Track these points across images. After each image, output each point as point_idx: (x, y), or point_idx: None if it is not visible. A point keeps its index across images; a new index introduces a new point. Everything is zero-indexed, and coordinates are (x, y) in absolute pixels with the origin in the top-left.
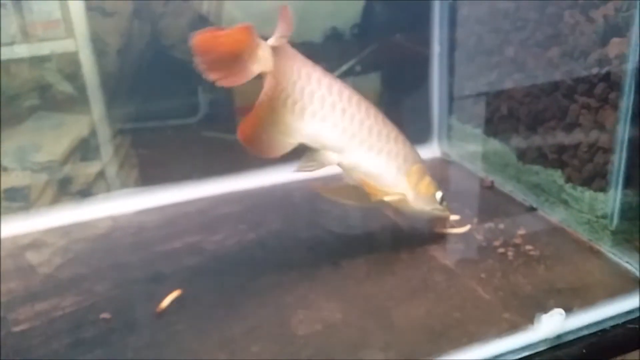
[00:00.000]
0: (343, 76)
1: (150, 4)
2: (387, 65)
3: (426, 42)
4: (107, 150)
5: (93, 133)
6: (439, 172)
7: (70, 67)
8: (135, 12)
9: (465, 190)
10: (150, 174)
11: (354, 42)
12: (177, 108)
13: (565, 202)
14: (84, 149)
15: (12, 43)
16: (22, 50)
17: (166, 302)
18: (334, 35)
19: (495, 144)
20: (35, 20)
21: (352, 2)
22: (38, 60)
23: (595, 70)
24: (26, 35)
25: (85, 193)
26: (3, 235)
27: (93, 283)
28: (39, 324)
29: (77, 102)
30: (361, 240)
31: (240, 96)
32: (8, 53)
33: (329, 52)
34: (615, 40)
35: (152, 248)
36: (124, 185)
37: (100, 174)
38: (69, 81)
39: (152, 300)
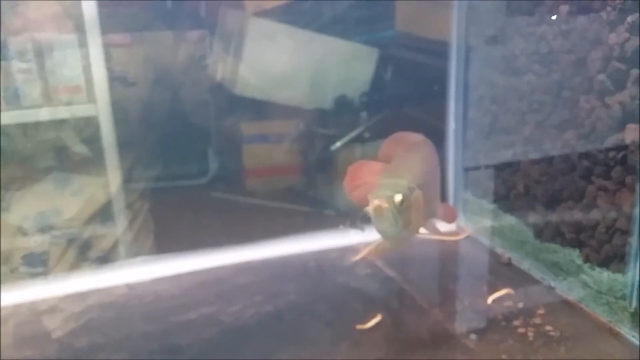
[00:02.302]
0: (351, 142)
1: (172, 74)
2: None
3: (440, 117)
4: (124, 216)
5: (111, 198)
6: (454, 247)
7: (88, 131)
8: (157, 81)
9: (482, 266)
10: (166, 241)
11: (362, 110)
12: (190, 171)
13: (583, 282)
14: (103, 215)
15: (34, 106)
16: (43, 114)
17: None
18: (344, 103)
19: (511, 220)
20: (58, 85)
21: (361, 72)
22: (57, 123)
23: (611, 154)
24: (48, 99)
25: (103, 259)
26: (21, 300)
27: (109, 353)
28: None
29: (92, 164)
30: (379, 315)
31: (249, 159)
32: (30, 116)
33: (338, 118)
34: (631, 126)
35: (168, 318)
36: (140, 252)
37: (118, 240)
38: (86, 144)
39: None
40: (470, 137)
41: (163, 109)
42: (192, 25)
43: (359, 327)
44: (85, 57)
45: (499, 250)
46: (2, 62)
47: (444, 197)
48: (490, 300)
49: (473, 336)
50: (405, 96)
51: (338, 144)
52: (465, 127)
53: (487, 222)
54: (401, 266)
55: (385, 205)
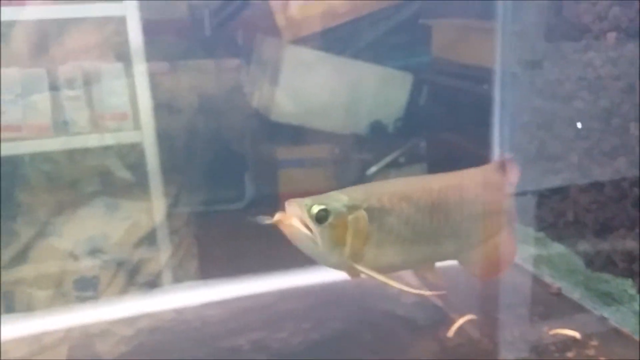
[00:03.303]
0: (387, 167)
1: (211, 101)
2: (441, 160)
3: (478, 141)
4: (169, 241)
5: (156, 223)
6: (501, 276)
7: (132, 157)
8: (197, 108)
9: (531, 297)
10: (209, 266)
11: (397, 135)
12: (228, 196)
13: (637, 313)
14: (149, 240)
15: (81, 133)
16: (90, 140)
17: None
18: (379, 128)
19: (560, 249)
20: (105, 112)
21: (396, 97)
22: (103, 149)
23: None
24: (95, 126)
25: (151, 284)
26: (73, 324)
27: None
28: None
29: (137, 189)
30: (427, 345)
31: (284, 184)
32: (77, 142)
33: (373, 143)
34: None
35: (217, 343)
36: (185, 276)
37: (164, 265)
38: (130, 170)
39: None
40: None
41: (203, 135)
42: (229, 53)
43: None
44: (131, 84)
45: (547, 280)
46: (52, 91)
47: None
48: (552, 333)
49: None
50: (441, 121)
51: (373, 168)
52: (511, 153)
53: (534, 251)
54: (448, 294)
55: (289, 219)
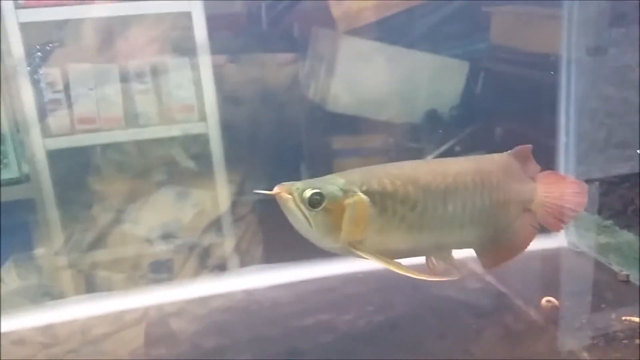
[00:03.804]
0: (442, 155)
1: (274, 94)
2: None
3: (539, 129)
4: (236, 227)
5: (223, 210)
6: (567, 263)
7: (198, 147)
8: (260, 100)
9: (599, 284)
10: (275, 250)
11: (453, 124)
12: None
13: None
14: (217, 225)
15: (150, 125)
16: (158, 132)
17: None
18: (434, 117)
19: (629, 237)
20: (172, 105)
21: (452, 86)
22: (169, 140)
23: None
24: (163, 118)
25: (221, 267)
26: (149, 303)
27: (236, 354)
28: None
29: (203, 178)
30: (492, 329)
31: None
32: (146, 134)
33: (428, 132)
34: None
35: (287, 323)
36: (253, 260)
37: (232, 249)
38: (196, 159)
39: None
40: (583, 151)
41: (263, 126)
42: (285, 46)
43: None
44: (197, 78)
45: (615, 268)
46: (123, 84)
47: None
48: (620, 319)
49: (586, 355)
50: (500, 109)
51: (429, 157)
52: (578, 141)
53: (602, 239)
54: (513, 281)
55: (285, 195)
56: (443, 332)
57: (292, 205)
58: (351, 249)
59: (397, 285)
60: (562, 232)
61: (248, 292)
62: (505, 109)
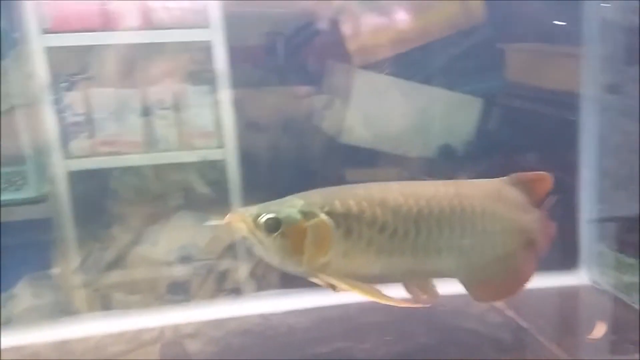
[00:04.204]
0: None
1: (290, 125)
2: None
3: (565, 167)
4: (253, 253)
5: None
6: (589, 301)
7: (215, 173)
8: (285, 128)
9: (625, 324)
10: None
11: (466, 159)
12: None
13: None
14: (233, 251)
15: (169, 150)
16: (177, 157)
17: None
18: (447, 152)
19: None
20: (192, 131)
21: (465, 121)
22: (186, 165)
23: None
24: (182, 144)
25: (237, 291)
26: (166, 324)
27: None
28: None
29: (218, 204)
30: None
31: None
32: (164, 159)
33: (441, 167)
34: None
35: (304, 350)
36: (269, 286)
37: (248, 274)
38: (212, 185)
39: None
40: (606, 188)
41: (278, 155)
42: (301, 79)
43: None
44: (216, 106)
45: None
46: (143, 110)
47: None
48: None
49: None
50: (516, 145)
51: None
52: (600, 178)
53: (626, 277)
54: (534, 317)
55: (237, 224)
56: None
57: (245, 233)
58: (317, 274)
59: (415, 315)
60: (584, 269)
61: (264, 317)
62: (521, 145)
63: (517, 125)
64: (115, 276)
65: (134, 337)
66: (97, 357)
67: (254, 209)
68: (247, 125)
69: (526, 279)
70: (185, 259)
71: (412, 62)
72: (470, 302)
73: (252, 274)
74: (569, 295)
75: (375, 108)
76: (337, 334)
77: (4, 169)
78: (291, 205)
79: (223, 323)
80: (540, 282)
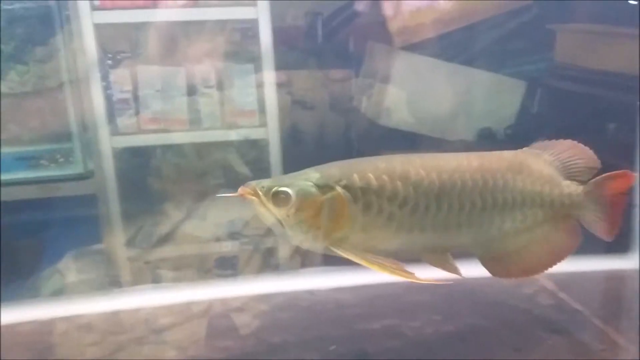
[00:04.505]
0: None
1: (344, 100)
2: None
3: (624, 149)
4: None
5: None
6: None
7: (254, 153)
8: (331, 106)
9: None
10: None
11: (507, 143)
12: None
13: None
14: None
15: (212, 129)
16: (219, 135)
17: None
18: (488, 135)
19: None
20: (234, 110)
21: (507, 104)
22: (226, 145)
23: None
24: (225, 122)
25: (283, 267)
26: (214, 297)
27: (301, 352)
28: None
29: None
30: (571, 346)
31: None
32: (207, 137)
33: (481, 150)
34: None
35: (353, 326)
36: (313, 262)
37: (293, 251)
38: (250, 165)
39: None
40: None
41: (317, 135)
42: (341, 59)
43: None
44: (260, 85)
45: None
46: (188, 88)
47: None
48: None
49: None
50: (563, 129)
51: None
52: None
53: None
54: (588, 299)
55: (250, 196)
56: (517, 345)
57: (258, 206)
58: (333, 249)
59: (464, 295)
60: (637, 252)
61: (311, 293)
62: (571, 129)
63: (566, 109)
64: (164, 251)
65: (183, 309)
66: (147, 329)
67: (267, 182)
68: (289, 105)
69: (559, 256)
70: (233, 235)
71: (454, 43)
72: (521, 282)
73: (297, 251)
74: (621, 279)
75: (415, 90)
76: (385, 311)
77: (51, 146)
78: (306, 179)
79: (270, 297)
80: (592, 265)
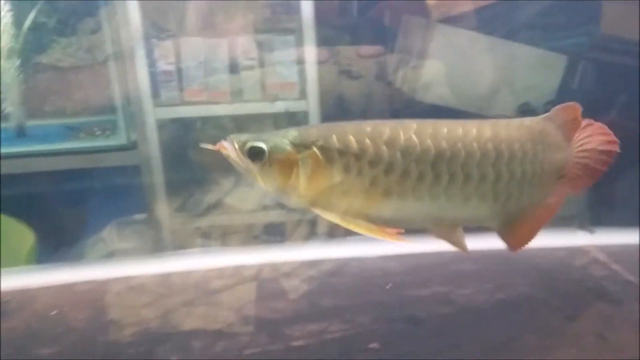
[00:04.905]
0: None
1: (370, 80)
2: None
3: None
4: None
5: None
6: None
7: (290, 125)
8: (377, 76)
9: None
10: None
11: None
12: None
13: None
14: None
15: (253, 101)
16: (260, 108)
17: None
18: (527, 111)
19: None
20: (275, 82)
21: (547, 79)
22: (264, 117)
23: None
24: (265, 94)
25: (328, 235)
26: (263, 261)
27: (354, 315)
28: (313, 343)
29: None
30: (627, 316)
31: None
32: (248, 109)
33: None
34: None
35: (402, 292)
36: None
37: None
38: None
39: (413, 340)
40: None
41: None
42: (375, 34)
43: None
44: (301, 57)
45: None
46: (231, 59)
47: None
48: None
49: None
50: (603, 105)
51: None
52: None
53: None
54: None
55: (225, 150)
56: (572, 314)
57: (234, 159)
58: (315, 209)
59: (515, 266)
60: None
61: (358, 260)
62: (614, 104)
63: (610, 83)
64: (213, 217)
65: (233, 273)
66: (199, 291)
67: (244, 136)
68: (328, 78)
69: (550, 215)
70: (280, 204)
71: (494, 16)
72: (573, 254)
73: None
74: None
75: (452, 64)
76: (434, 279)
77: (96, 118)
78: (283, 136)
79: (318, 264)
80: None
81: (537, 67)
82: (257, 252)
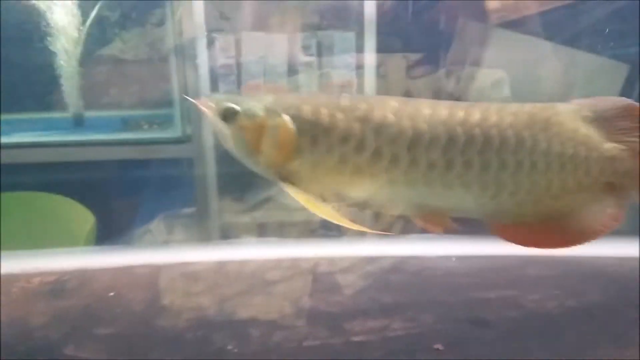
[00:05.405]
0: None
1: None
2: None
3: None
4: None
5: None
6: None
7: None
8: (413, 85)
9: None
10: None
11: None
12: None
13: None
14: None
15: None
16: None
17: None
18: None
19: None
20: (333, 79)
21: (607, 87)
22: None
23: None
24: (322, 90)
25: (388, 231)
26: (320, 255)
27: (416, 313)
28: (374, 339)
29: None
30: None
31: None
32: None
33: None
34: None
35: (467, 293)
36: (413, 230)
37: (396, 217)
38: None
39: (481, 343)
40: None
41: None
42: (430, 36)
43: None
44: (359, 55)
45: None
46: (290, 54)
47: None
48: None
49: None
50: None
51: None
52: None
53: None
54: None
55: (203, 108)
56: None
57: (210, 117)
58: (280, 180)
59: (587, 273)
60: None
61: (418, 258)
62: None
63: None
64: (269, 211)
65: (290, 265)
66: (254, 281)
67: (221, 97)
68: (384, 76)
69: (593, 233)
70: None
71: (555, 22)
72: None
73: (401, 216)
74: None
75: (509, 69)
76: (500, 283)
77: (153, 111)
78: (259, 101)
79: (376, 260)
80: None
81: (597, 74)
82: (314, 245)
